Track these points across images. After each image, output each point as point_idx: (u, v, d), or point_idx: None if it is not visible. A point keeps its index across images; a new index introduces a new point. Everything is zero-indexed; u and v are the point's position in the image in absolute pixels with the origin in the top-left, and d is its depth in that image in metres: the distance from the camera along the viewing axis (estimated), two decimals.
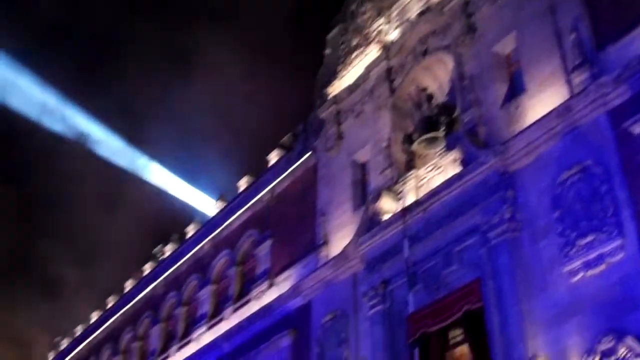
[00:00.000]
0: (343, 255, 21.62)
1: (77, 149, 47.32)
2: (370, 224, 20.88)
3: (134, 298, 35.23)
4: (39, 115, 44.63)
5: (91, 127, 44.38)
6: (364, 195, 22.38)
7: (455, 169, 18.79)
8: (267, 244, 26.36)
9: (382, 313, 19.80)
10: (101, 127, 43.99)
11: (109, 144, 44.54)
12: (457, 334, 17.83)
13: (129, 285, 36.88)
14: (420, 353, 17.77)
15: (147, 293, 34.33)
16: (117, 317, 36.30)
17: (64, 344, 42.31)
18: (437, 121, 19.93)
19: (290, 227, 25.64)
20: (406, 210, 19.64)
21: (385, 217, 20.43)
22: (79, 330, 40.99)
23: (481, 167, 17.94)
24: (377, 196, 20.87)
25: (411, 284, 18.72)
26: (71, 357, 40.35)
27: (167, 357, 30.15)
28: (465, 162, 18.50)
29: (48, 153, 63.88)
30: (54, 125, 45.32)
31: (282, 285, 24.56)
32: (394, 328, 19.33)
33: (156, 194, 44.64)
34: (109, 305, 37.92)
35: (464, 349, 17.57)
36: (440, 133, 19.77)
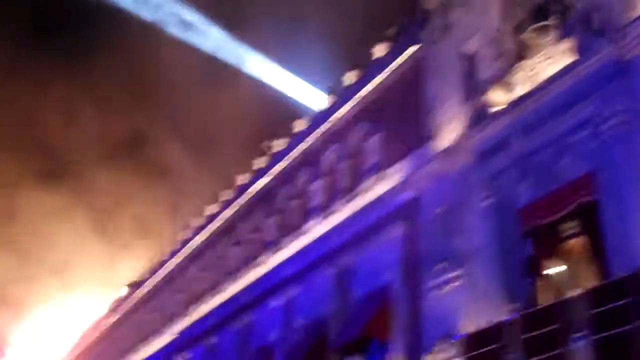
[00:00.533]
0: (453, 148, 21.63)
1: (180, 40, 47.90)
2: (480, 116, 20.70)
3: (246, 192, 36.35)
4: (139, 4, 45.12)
5: (193, 17, 44.64)
6: (473, 87, 22.08)
7: (568, 59, 18.27)
8: (377, 137, 26.55)
9: (492, 206, 19.87)
10: (203, 17, 44.16)
11: (211, 35, 44.89)
12: (569, 226, 17.73)
13: (241, 179, 37.98)
14: (532, 246, 17.86)
15: (259, 187, 35.34)
16: (232, 211, 37.63)
17: (183, 235, 44.30)
18: (548, 9, 19.28)
19: (399, 120, 25.68)
20: (517, 102, 19.36)
21: (495, 109, 20.19)
22: (195, 223, 42.75)
23: (595, 56, 17.39)
24: (487, 88, 20.59)
25: (522, 176, 18.64)
26: (190, 251, 42.25)
27: (281, 248, 31.24)
28: (578, 51, 17.94)
29: (152, 44, 64.99)
30: (155, 14, 45.82)
31: (392, 178, 24.83)
32: (504, 221, 19.39)
33: (263, 88, 45.23)
34: (223, 199, 39.25)
35: (576, 241, 17.53)
36: (552, 21, 19.14)
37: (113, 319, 55.99)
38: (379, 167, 25.92)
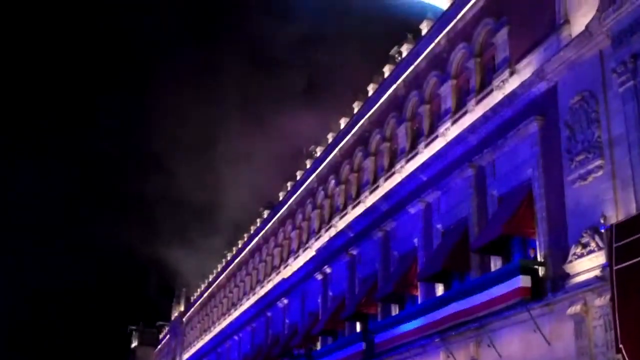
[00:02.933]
0: (587, 32, 20.50)
1: None
2: None
3: (377, 101, 36.15)
4: None
5: None
6: None
7: None
8: (504, 30, 25.58)
9: (633, 89, 18.84)
10: None
11: None
12: None
13: (371, 89, 37.80)
14: None
15: (389, 95, 35.05)
16: (364, 121, 37.62)
17: (319, 151, 44.84)
18: None
19: (526, 9, 24.58)
20: None
21: None
22: (330, 137, 43.11)
23: None
24: None
25: None
26: (325, 164, 42.77)
27: (416, 153, 31.05)
28: None
29: None
30: None
31: (524, 71, 23.97)
32: None
33: None
34: (355, 111, 39.28)
35: None
36: None
37: (253, 241, 57.95)
38: (510, 62, 25.05)
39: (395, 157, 33.59)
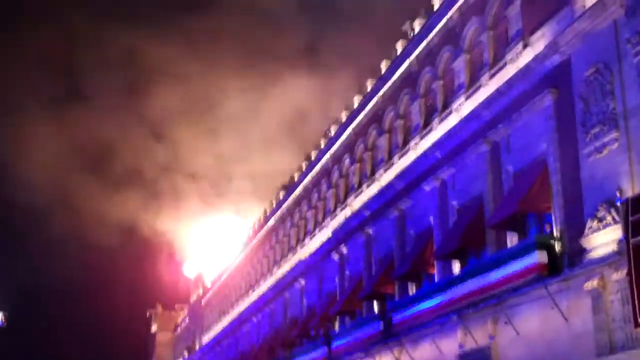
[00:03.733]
0: (600, 2, 20.12)
1: None
2: None
3: (391, 78, 35.81)
4: None
5: None
6: None
7: None
8: (517, 3, 25.14)
9: None
10: None
11: None
12: None
13: (384, 66, 37.44)
14: None
15: (402, 71, 34.69)
16: (378, 99, 37.31)
17: (333, 129, 44.59)
18: None
19: None
20: None
21: None
22: (343, 116, 42.84)
23: None
24: None
25: None
26: (340, 143, 42.54)
27: (430, 130, 30.75)
28: None
29: None
30: None
31: (538, 44, 23.59)
32: None
33: None
34: (369, 88, 38.95)
35: None
36: None
37: (269, 222, 57.94)
38: (523, 35, 24.67)
39: (409, 134, 33.31)
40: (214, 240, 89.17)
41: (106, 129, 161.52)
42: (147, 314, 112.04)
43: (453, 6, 29.68)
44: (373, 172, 36.95)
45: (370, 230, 35.86)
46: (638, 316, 16.76)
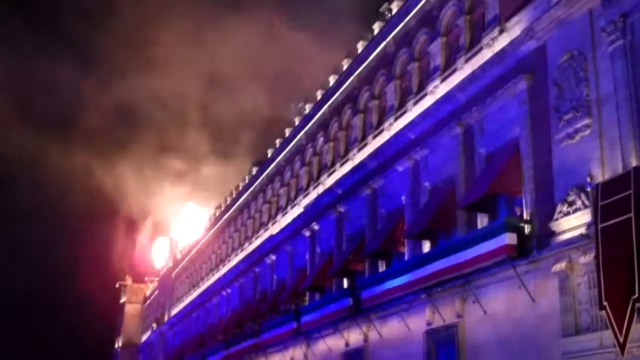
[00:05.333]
0: None
1: None
2: None
3: (367, 58, 35.99)
4: None
5: None
6: None
7: None
8: None
9: (623, 48, 18.89)
10: None
11: None
12: None
13: (360, 46, 37.59)
14: None
15: (379, 52, 34.89)
16: (353, 79, 37.48)
17: (307, 108, 44.72)
18: None
19: None
20: None
21: None
22: (319, 94, 42.96)
23: None
24: None
25: None
26: (314, 121, 42.70)
27: (404, 111, 31.05)
28: None
29: None
30: None
31: (514, 29, 23.91)
32: (636, 62, 18.43)
33: None
34: (344, 68, 39.09)
35: None
36: None
37: (241, 198, 58.06)
38: (500, 20, 24.97)
39: (384, 115, 33.58)
40: (185, 213, 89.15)
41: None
42: (117, 285, 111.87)
43: None
44: (347, 151, 37.21)
45: (342, 208, 36.17)
46: (604, 299, 17.24)
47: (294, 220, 42.53)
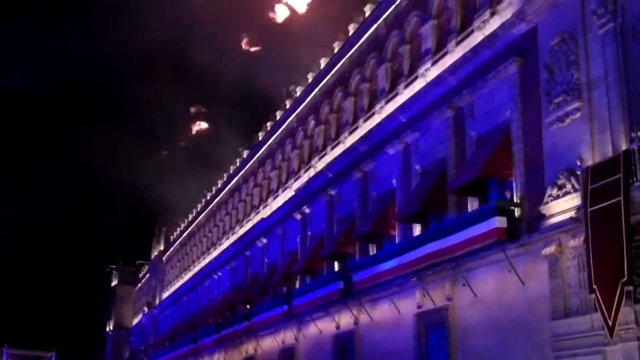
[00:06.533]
0: None
1: None
2: None
3: (358, 41, 35.84)
4: None
5: None
6: None
7: None
8: None
9: (613, 30, 18.83)
10: None
11: None
12: None
13: (352, 28, 37.42)
14: None
15: (370, 35, 34.76)
16: (344, 61, 37.35)
17: (299, 91, 44.57)
18: None
19: None
20: None
21: None
22: (310, 77, 42.81)
23: None
24: None
25: None
26: (305, 104, 42.61)
27: (396, 94, 30.97)
28: None
29: None
30: None
31: (505, 12, 23.83)
32: (627, 45, 18.39)
33: None
34: (336, 50, 38.94)
35: None
36: None
37: (232, 181, 57.98)
38: (491, 2, 24.88)
39: (375, 98, 33.50)
40: (177, 193, 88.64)
41: None
42: (108, 268, 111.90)
43: None
44: (338, 134, 37.14)
45: (333, 192, 36.14)
46: (593, 282, 17.29)
47: (285, 203, 42.50)
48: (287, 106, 46.23)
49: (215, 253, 59.29)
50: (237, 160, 58.40)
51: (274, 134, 48.03)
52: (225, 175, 61.93)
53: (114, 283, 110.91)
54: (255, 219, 49.40)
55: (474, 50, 24.83)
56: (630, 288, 16.63)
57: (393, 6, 32.36)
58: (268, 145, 49.36)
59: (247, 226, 50.97)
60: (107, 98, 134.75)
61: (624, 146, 17.80)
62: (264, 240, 46.46)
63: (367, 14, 35.60)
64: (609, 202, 17.24)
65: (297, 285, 39.39)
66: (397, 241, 29.12)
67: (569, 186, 19.22)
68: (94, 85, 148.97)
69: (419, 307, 26.36)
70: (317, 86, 40.80)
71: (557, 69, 20.59)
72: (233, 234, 55.20)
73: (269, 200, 47.04)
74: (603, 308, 16.79)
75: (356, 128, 34.58)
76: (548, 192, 19.98)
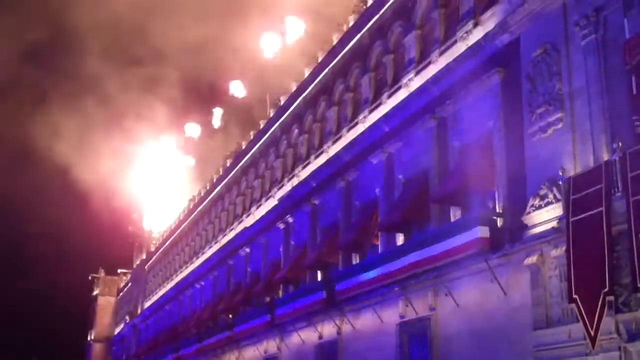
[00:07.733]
0: None
1: None
2: None
3: (341, 50, 35.91)
4: None
5: None
6: None
7: None
8: None
9: (595, 42, 18.96)
10: None
11: None
12: None
13: (335, 38, 37.48)
14: (637, 82, 16.95)
15: (353, 44, 34.83)
16: (328, 71, 37.39)
17: (282, 99, 44.55)
18: None
19: None
20: None
21: None
22: (293, 86, 42.82)
23: None
24: None
25: (628, 6, 17.55)
26: (289, 113, 42.60)
27: (379, 104, 31.02)
28: None
29: None
30: None
31: (488, 22, 23.93)
32: (609, 57, 18.52)
33: None
34: (320, 60, 38.98)
35: None
36: None
37: (215, 190, 57.82)
38: (474, 13, 24.98)
39: (358, 108, 33.55)
40: (159, 201, 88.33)
41: None
42: (89, 277, 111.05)
43: None
44: (321, 144, 37.14)
45: (316, 201, 36.13)
46: (573, 292, 17.34)
47: (268, 212, 42.42)
48: (271, 115, 46.19)
49: (197, 262, 59.03)
50: (220, 168, 58.25)
51: (258, 142, 47.95)
52: (208, 184, 61.75)
53: (95, 292, 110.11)
54: (238, 228, 49.25)
55: (457, 61, 24.92)
56: (612, 298, 16.70)
57: (377, 16, 32.45)
58: (251, 154, 49.27)
59: (230, 235, 50.80)
60: None
61: (605, 157, 17.89)
62: (247, 250, 46.33)
63: (350, 24, 35.66)
64: (591, 213, 17.32)
65: (280, 294, 39.27)
66: (380, 251, 29.13)
67: (551, 196, 19.29)
68: None
69: (401, 316, 26.36)
70: (300, 95, 40.81)
71: (539, 80, 20.70)
72: (216, 243, 55.01)
73: (252, 209, 46.93)
74: (585, 318, 16.83)
75: (340, 137, 34.60)
76: (530, 202, 20.04)
